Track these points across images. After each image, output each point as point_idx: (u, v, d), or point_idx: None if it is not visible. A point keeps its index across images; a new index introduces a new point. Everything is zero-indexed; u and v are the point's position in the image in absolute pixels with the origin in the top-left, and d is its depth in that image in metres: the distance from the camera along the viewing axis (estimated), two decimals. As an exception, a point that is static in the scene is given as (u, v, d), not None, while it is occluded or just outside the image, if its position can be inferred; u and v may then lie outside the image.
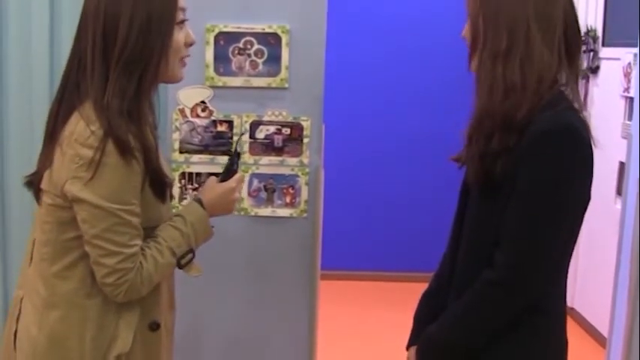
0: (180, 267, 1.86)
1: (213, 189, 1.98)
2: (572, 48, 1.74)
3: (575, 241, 1.75)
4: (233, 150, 2.10)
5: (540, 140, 1.62)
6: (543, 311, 1.72)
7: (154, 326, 1.86)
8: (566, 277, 1.79)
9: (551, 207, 1.62)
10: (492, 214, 1.69)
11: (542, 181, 1.62)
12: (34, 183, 1.80)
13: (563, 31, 1.71)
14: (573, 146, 1.62)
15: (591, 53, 4.80)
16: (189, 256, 1.87)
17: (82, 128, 1.67)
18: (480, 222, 1.75)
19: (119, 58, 1.71)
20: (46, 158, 1.77)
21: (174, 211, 2.53)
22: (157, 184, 1.81)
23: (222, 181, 2.01)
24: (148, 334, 1.84)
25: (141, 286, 1.75)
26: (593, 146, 1.67)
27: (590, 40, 4.79)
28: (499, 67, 1.69)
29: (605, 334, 4.22)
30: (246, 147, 2.58)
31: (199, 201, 1.94)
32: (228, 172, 2.02)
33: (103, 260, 1.70)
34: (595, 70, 4.75)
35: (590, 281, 4.73)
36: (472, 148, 1.74)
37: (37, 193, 1.80)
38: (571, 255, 1.77)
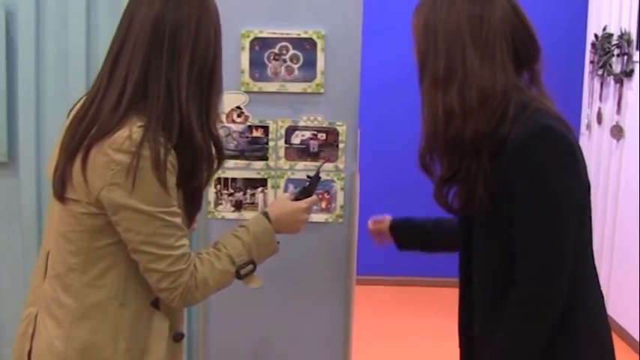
0: (240, 277, 1.85)
1: (283, 206, 1.98)
2: (525, 55, 1.76)
3: (590, 227, 1.77)
4: (315, 173, 2.13)
5: (520, 153, 1.64)
6: (580, 307, 1.72)
7: (179, 337, 1.85)
8: (594, 267, 1.80)
9: (554, 210, 1.64)
10: (498, 232, 1.71)
11: (537, 190, 1.64)
12: (59, 186, 1.75)
13: (511, 39, 1.73)
14: (552, 145, 1.64)
15: (625, 57, 4.76)
16: (250, 267, 1.85)
17: (119, 134, 1.65)
18: (487, 242, 1.77)
19: (193, 66, 1.72)
20: (68, 161, 1.72)
21: (209, 216, 2.57)
22: (190, 203, 1.80)
23: (295, 200, 2.02)
24: (172, 344, 1.83)
25: (195, 290, 1.73)
26: (571, 133, 1.69)
27: (625, 44, 4.74)
28: (439, 93, 1.72)
29: (638, 338, 4.18)
30: (281, 152, 2.58)
31: (266, 214, 1.93)
32: (304, 192, 2.04)
33: (153, 265, 1.68)
34: (629, 73, 4.70)
35: (623, 286, 4.68)
36: (431, 177, 1.82)
37: (63, 198, 1.75)
38: (591, 241, 1.78)
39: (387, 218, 2.36)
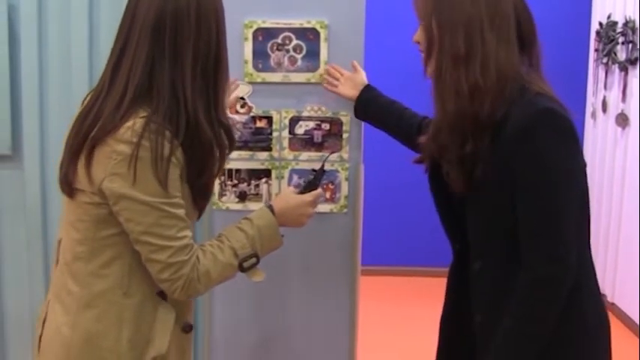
0: (243, 270, 1.84)
1: (288, 199, 1.98)
2: (527, 39, 1.77)
3: (588, 204, 1.77)
4: (320, 166, 2.12)
5: (523, 136, 1.65)
6: (583, 286, 1.74)
7: (187, 328, 1.85)
8: (589, 248, 1.81)
9: (559, 191, 1.65)
10: (502, 219, 1.72)
11: (542, 172, 1.65)
12: (64, 183, 1.77)
13: (516, 24, 1.74)
14: (556, 127, 1.66)
15: (630, 45, 4.74)
16: (253, 260, 1.84)
17: (123, 126, 1.65)
18: (490, 230, 1.78)
19: (197, 60, 1.71)
20: (72, 158, 1.73)
21: (213, 207, 2.57)
22: (200, 196, 1.80)
23: (300, 193, 2.01)
24: (181, 335, 1.84)
25: (197, 282, 1.72)
26: (570, 115, 1.70)
27: (629, 32, 4.72)
28: (461, 71, 1.72)
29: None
30: (285, 143, 2.57)
31: (270, 208, 1.92)
32: (309, 186, 2.04)
33: (154, 256, 1.68)
34: (634, 61, 4.69)
35: (630, 276, 4.67)
36: (448, 156, 1.79)
37: (71, 192, 1.76)
38: (589, 221, 1.79)
39: (363, 76, 2.50)
